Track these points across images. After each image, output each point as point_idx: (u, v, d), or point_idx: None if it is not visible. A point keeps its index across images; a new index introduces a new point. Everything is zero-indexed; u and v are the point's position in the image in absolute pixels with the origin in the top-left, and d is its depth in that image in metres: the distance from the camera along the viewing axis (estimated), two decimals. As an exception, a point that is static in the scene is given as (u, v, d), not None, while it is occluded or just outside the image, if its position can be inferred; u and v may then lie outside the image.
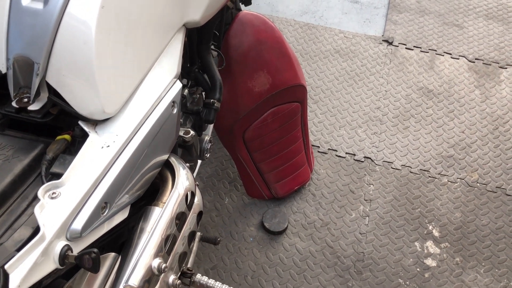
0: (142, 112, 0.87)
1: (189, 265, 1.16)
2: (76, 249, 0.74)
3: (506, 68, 2.35)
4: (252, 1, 1.90)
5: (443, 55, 2.40)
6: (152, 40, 0.93)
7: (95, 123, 0.84)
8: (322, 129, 2.08)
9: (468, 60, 2.39)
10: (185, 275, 1.03)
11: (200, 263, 1.66)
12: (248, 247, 1.71)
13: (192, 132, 1.18)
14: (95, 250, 0.69)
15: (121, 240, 0.96)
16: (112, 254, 0.87)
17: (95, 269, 0.69)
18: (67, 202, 0.72)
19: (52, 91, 0.82)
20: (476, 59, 2.39)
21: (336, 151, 2.00)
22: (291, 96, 1.64)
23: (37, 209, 0.68)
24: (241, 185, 1.85)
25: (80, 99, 0.81)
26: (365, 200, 1.85)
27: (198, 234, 1.29)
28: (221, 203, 1.83)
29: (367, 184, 1.89)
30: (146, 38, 0.91)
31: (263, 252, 1.70)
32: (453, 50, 2.43)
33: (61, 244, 0.69)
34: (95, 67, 0.79)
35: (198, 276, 1.05)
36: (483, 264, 1.69)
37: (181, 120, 1.26)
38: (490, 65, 2.37)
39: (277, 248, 1.71)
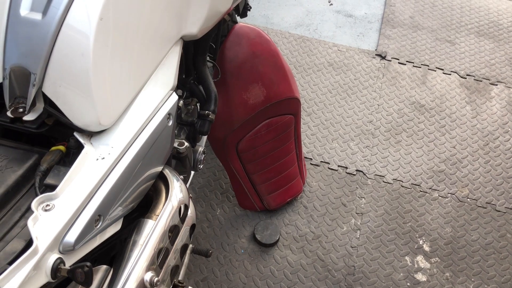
0: (137, 124, 0.87)
1: (180, 278, 1.15)
2: (69, 262, 0.74)
3: (496, 84, 2.38)
4: (248, 14, 1.92)
5: (435, 71, 2.43)
6: (150, 53, 0.93)
7: (91, 134, 0.83)
8: (315, 141, 2.09)
9: (459, 76, 2.42)
10: (176, 288, 1.02)
11: (190, 274, 1.65)
12: (239, 259, 1.71)
13: (186, 144, 1.18)
14: (88, 263, 0.68)
15: (113, 253, 0.95)
16: (104, 266, 0.86)
17: (88, 283, 0.68)
18: (60, 215, 0.71)
19: (48, 102, 0.81)
20: (467, 75, 2.42)
21: (329, 163, 2.01)
22: (285, 108, 1.65)
23: (30, 222, 0.67)
24: (233, 196, 1.85)
25: (76, 110, 0.81)
26: (356, 213, 1.85)
27: (190, 246, 1.28)
28: (213, 214, 1.82)
29: (358, 197, 1.90)
30: (144, 51, 0.91)
31: (254, 264, 1.70)
32: (445, 65, 2.46)
33: (53, 257, 0.69)
34: (92, 78, 0.79)
35: (190, 289, 1.04)
36: (472, 279, 1.70)
37: (175, 131, 1.27)
38: (481, 81, 2.40)
39: (268, 261, 1.71)
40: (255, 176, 1.72)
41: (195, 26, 1.05)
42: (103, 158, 0.80)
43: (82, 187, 0.75)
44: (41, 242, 0.67)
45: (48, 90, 0.80)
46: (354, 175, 1.97)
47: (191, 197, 1.08)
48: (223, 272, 1.67)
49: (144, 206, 0.97)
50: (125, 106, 0.87)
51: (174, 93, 1.00)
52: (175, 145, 1.15)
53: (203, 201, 1.86)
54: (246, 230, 1.79)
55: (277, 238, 1.75)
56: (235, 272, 1.68)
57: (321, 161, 2.01)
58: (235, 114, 1.56)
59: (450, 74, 2.42)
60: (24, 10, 0.79)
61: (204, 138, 1.57)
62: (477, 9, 2.80)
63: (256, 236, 1.74)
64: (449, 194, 1.93)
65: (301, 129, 2.09)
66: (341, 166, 2.00)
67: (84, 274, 0.68)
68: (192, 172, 1.52)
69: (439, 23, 2.70)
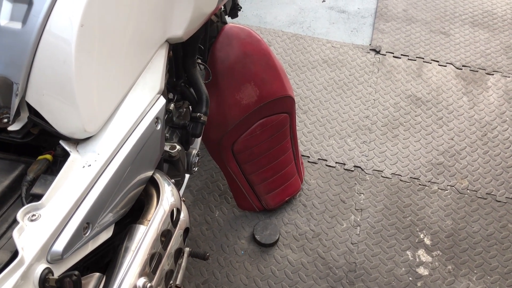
0: (124, 130, 0.87)
1: (178, 282, 1.15)
2: (58, 271, 0.73)
3: (492, 74, 2.37)
4: (239, 14, 1.91)
5: (430, 63, 2.42)
6: (134, 57, 0.93)
7: (77, 142, 0.83)
8: (312, 139, 2.08)
9: (455, 67, 2.40)
10: (173, 292, 1.02)
11: (191, 278, 1.65)
12: (239, 260, 1.70)
13: (178, 147, 1.17)
14: (76, 272, 0.68)
15: (106, 260, 0.95)
16: (97, 274, 0.85)
17: (77, 292, 0.68)
18: (47, 224, 0.71)
19: (33, 111, 0.81)
20: (463, 66, 2.41)
21: (326, 160, 2.00)
22: (279, 107, 1.64)
23: (15, 233, 0.67)
24: (232, 198, 1.84)
25: (60, 119, 0.80)
26: (356, 209, 1.84)
27: (187, 249, 1.27)
28: (212, 216, 1.82)
29: (357, 193, 1.89)
30: (128, 55, 0.91)
31: (254, 265, 1.69)
32: (440, 57, 2.45)
33: (41, 267, 0.68)
34: (75, 86, 0.78)
35: (186, 293, 1.03)
36: (475, 271, 1.69)
37: (167, 135, 1.26)
38: (477, 71, 2.38)
39: (269, 261, 1.70)
40: (253, 177, 1.71)
41: (180, 28, 1.04)
42: (90, 165, 0.79)
43: (68, 195, 0.75)
44: (27, 252, 0.66)
45: (31, 99, 0.79)
46: (352, 171, 1.96)
47: (183, 200, 1.08)
48: (223, 274, 1.67)
49: (138, 212, 0.97)
50: (111, 112, 0.86)
51: (161, 96, 0.99)
52: (167, 148, 1.15)
53: (201, 204, 1.85)
54: (245, 231, 1.78)
55: (277, 238, 1.74)
56: (236, 273, 1.67)
57: (318, 159, 2.01)
58: (229, 115, 1.56)
59: (445, 66, 2.41)
60: (4, 20, 0.78)
61: (198, 140, 1.56)
62: (470, -1, 2.79)
63: (256, 236, 1.74)
64: (449, 186, 1.92)
65: (297, 127, 2.09)
66: (338, 163, 1.99)
67: (73, 283, 0.68)
68: (187, 175, 1.52)
69: (433, 15, 2.68)
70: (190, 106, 1.36)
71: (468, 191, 1.91)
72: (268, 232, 1.75)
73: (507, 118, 2.17)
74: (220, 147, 1.61)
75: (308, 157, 2.01)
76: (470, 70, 2.39)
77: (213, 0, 1.15)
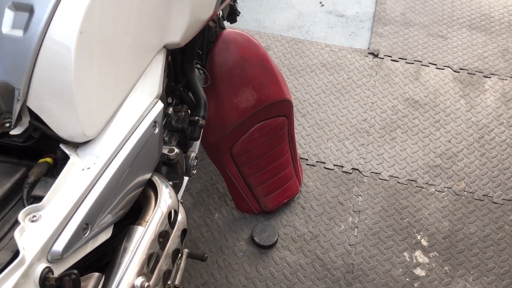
0: (122, 134, 0.89)
1: (176, 282, 1.17)
2: (58, 270, 0.75)
3: (490, 77, 2.39)
4: (238, 19, 1.94)
5: (428, 66, 2.44)
6: (133, 63, 0.95)
7: (76, 145, 0.85)
8: (310, 142, 2.10)
9: (453, 70, 2.43)
10: (171, 292, 1.04)
11: (190, 279, 1.67)
12: (238, 262, 1.72)
13: (176, 150, 1.19)
14: (75, 271, 0.70)
15: (105, 260, 0.97)
16: (96, 274, 0.88)
17: (76, 290, 0.70)
18: (47, 225, 0.73)
19: (34, 116, 0.84)
20: (460, 69, 2.43)
21: (324, 163, 2.02)
22: (277, 110, 1.67)
23: (16, 233, 0.69)
24: (231, 200, 1.87)
25: (60, 123, 0.83)
26: (353, 211, 1.86)
27: (186, 251, 1.30)
28: (211, 218, 1.84)
29: (355, 195, 1.91)
30: (127, 61, 0.93)
31: (253, 266, 1.71)
32: (438, 60, 2.47)
33: (41, 266, 0.70)
34: (75, 91, 0.81)
35: (184, 293, 1.06)
36: (471, 272, 1.70)
37: (166, 138, 1.29)
38: (475, 74, 2.40)
39: (268, 262, 1.72)
40: (251, 179, 1.73)
41: (177, 34, 1.07)
42: (89, 168, 0.82)
43: (68, 197, 0.77)
44: (28, 252, 0.69)
45: (32, 104, 0.82)
46: (350, 173, 1.98)
47: (181, 202, 1.10)
48: (223, 276, 1.69)
49: (136, 213, 0.99)
50: (109, 116, 0.89)
51: (159, 101, 1.02)
52: (165, 151, 1.17)
53: (201, 206, 1.88)
54: (244, 232, 1.80)
55: (275, 240, 1.76)
56: (235, 275, 1.69)
57: (316, 161, 2.03)
58: (227, 118, 1.58)
59: (443, 69, 2.43)
60: (6, 28, 0.81)
61: (197, 143, 1.58)
62: (468, 2, 2.81)
63: (255, 238, 1.76)
64: (446, 188, 1.94)
65: (296, 130, 2.11)
66: (337, 165, 2.01)
67: (72, 281, 0.70)
68: (186, 178, 1.54)
69: (431, 18, 2.71)
70: (188, 110, 1.39)
71: (465, 193, 1.93)
72: (266, 234, 1.77)
73: (504, 121, 2.19)
74: (219, 150, 1.63)
75: (307, 159, 2.03)
76: (468, 73, 2.41)
77: (209, 7, 1.18)
